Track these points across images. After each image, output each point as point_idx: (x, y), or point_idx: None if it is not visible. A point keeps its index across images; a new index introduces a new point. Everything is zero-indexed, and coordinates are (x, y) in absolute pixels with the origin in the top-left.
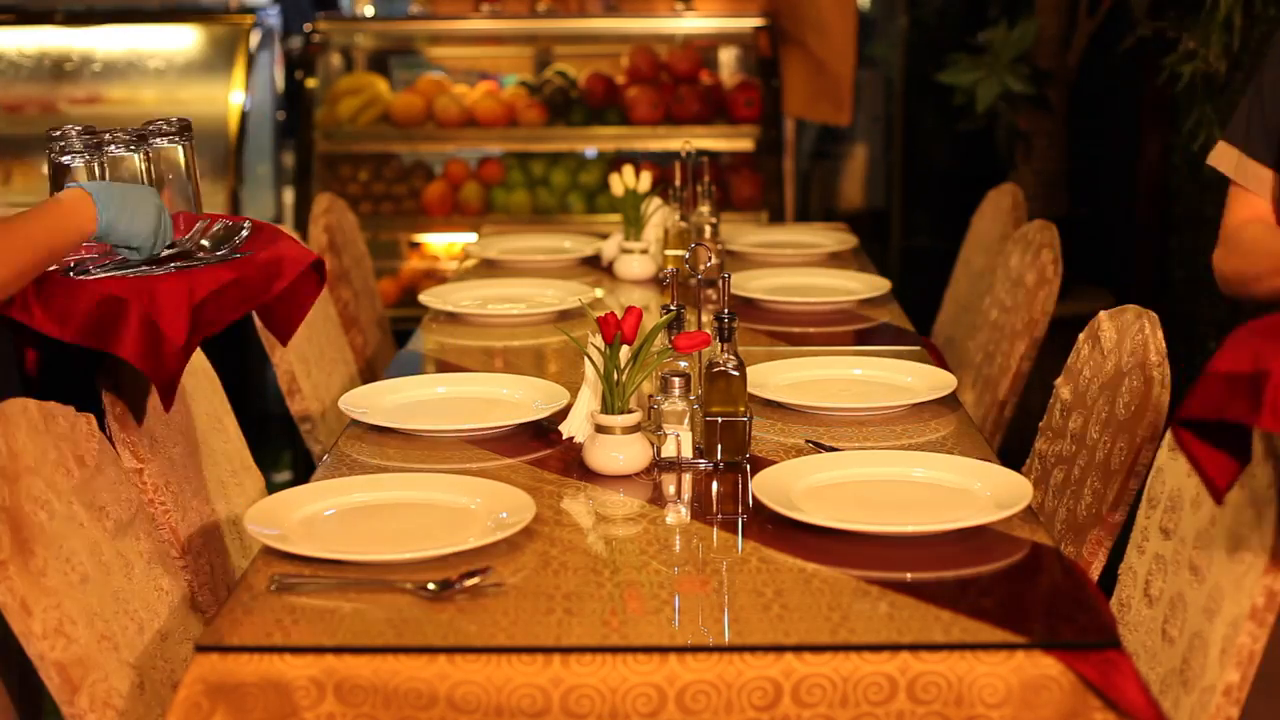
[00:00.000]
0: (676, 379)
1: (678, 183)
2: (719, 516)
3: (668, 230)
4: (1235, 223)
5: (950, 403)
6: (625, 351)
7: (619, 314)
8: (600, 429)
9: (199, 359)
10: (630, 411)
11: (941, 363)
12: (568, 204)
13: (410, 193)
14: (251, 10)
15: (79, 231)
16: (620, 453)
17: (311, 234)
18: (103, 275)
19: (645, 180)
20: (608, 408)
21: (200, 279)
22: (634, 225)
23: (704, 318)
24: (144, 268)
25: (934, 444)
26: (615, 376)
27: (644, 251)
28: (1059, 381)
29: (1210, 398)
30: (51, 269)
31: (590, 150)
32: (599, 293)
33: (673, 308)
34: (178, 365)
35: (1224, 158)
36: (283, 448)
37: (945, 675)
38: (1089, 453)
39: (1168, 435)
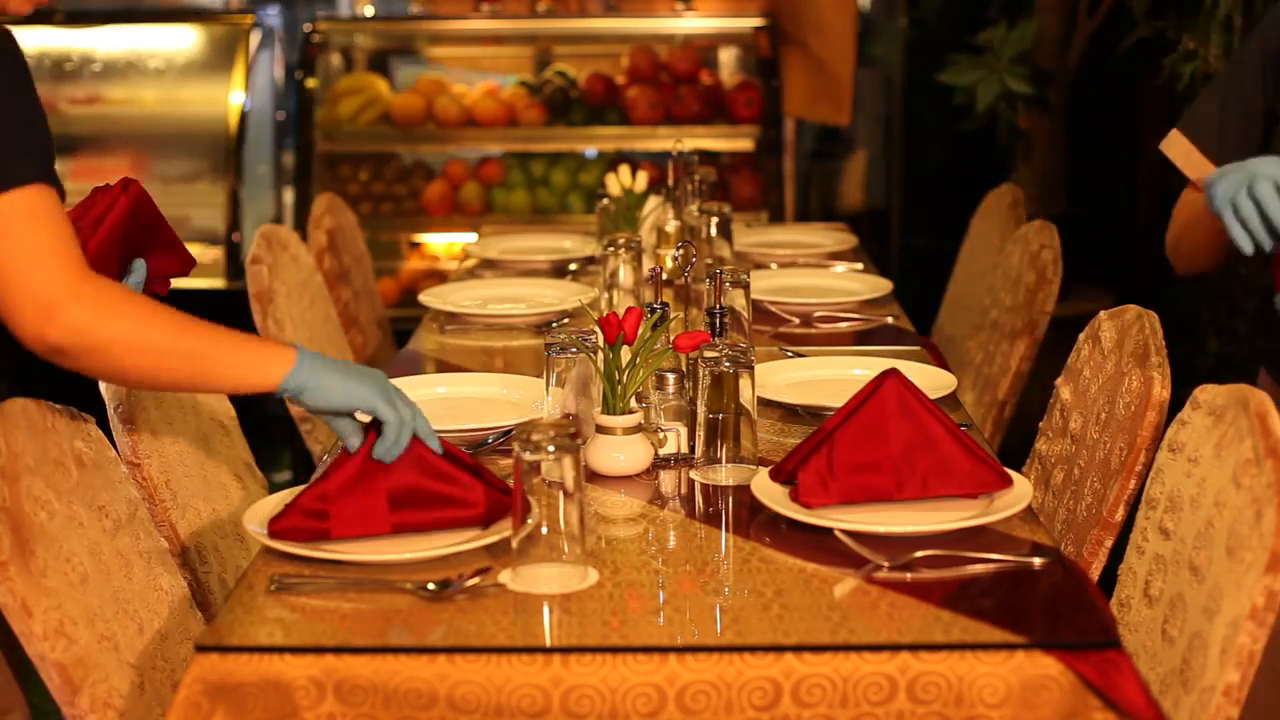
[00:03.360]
0: (670, 375)
1: (670, 181)
2: (719, 516)
3: (659, 229)
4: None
5: (950, 403)
6: (625, 352)
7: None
8: (601, 429)
9: None
10: (631, 412)
11: (941, 363)
12: (568, 204)
13: (410, 193)
14: (251, 10)
15: (244, 386)
16: (621, 453)
17: (311, 234)
18: None
19: (642, 180)
20: (609, 408)
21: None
22: (630, 225)
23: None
24: None
25: None
26: (616, 377)
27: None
28: (1059, 381)
29: None
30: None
31: (590, 150)
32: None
33: (657, 307)
34: None
35: (1176, 148)
36: (283, 448)
37: (945, 675)
38: (1089, 453)
39: (1167, 434)
